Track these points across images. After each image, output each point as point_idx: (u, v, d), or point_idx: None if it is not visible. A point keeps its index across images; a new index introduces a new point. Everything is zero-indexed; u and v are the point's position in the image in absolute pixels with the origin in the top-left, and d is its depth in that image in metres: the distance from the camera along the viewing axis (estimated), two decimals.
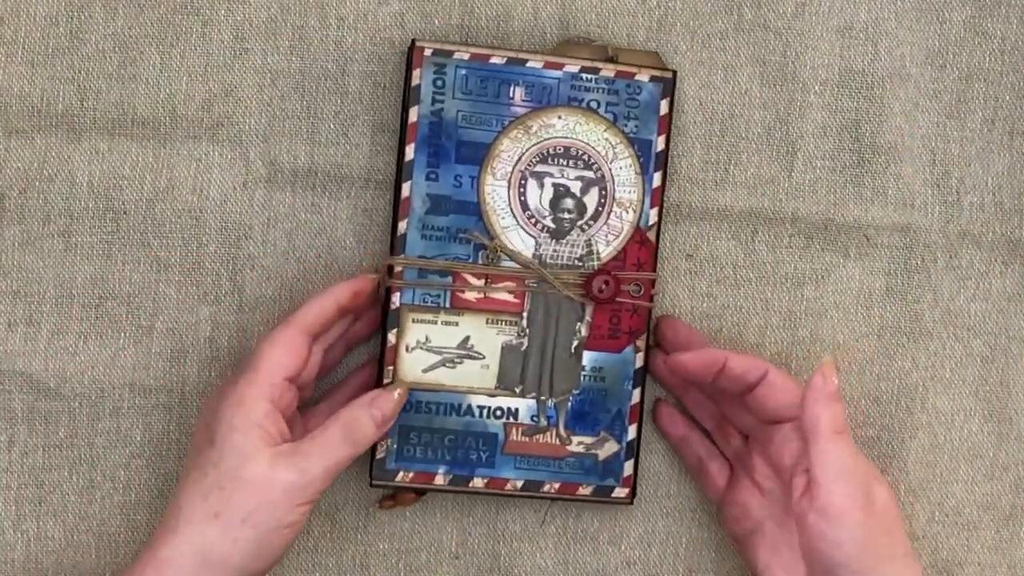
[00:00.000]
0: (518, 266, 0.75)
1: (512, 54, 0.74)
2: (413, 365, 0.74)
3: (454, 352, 0.75)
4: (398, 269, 0.74)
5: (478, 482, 0.75)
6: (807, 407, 0.68)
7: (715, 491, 0.76)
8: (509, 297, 0.75)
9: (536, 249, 0.75)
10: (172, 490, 0.70)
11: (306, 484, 0.65)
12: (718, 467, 0.76)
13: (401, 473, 0.75)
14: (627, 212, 0.76)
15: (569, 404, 0.75)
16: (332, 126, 0.77)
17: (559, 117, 0.75)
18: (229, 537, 0.64)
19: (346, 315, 0.73)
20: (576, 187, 0.75)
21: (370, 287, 0.73)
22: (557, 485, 0.76)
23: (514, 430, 0.75)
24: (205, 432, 0.68)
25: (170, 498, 0.68)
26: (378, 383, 0.74)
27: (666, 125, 0.75)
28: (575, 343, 0.75)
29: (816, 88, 0.79)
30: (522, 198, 0.75)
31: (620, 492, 0.76)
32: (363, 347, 0.77)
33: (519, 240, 0.75)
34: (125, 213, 0.76)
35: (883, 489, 0.69)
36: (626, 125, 0.75)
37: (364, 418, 0.68)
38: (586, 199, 0.75)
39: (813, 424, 0.68)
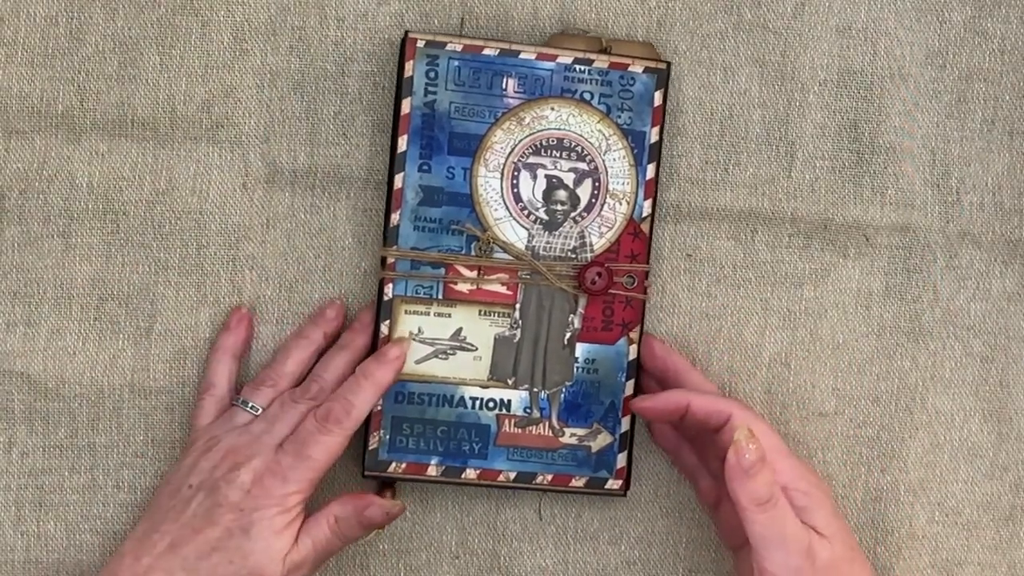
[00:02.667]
0: (511, 258, 0.75)
1: (505, 45, 0.74)
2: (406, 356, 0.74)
3: (447, 343, 0.75)
4: (391, 260, 0.74)
5: (471, 473, 0.75)
6: (727, 483, 0.68)
7: (705, 506, 0.77)
8: (502, 289, 0.75)
9: (529, 241, 0.75)
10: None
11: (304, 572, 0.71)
12: (708, 484, 0.76)
13: (393, 464, 0.75)
14: (620, 204, 0.76)
15: (562, 396, 0.76)
16: (332, 126, 0.77)
17: (552, 108, 0.75)
18: None
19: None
20: (569, 179, 0.75)
21: (403, 363, 0.74)
22: (550, 477, 0.76)
23: (507, 422, 0.75)
24: (239, 514, 0.69)
25: (182, 552, 0.69)
26: None
27: (660, 116, 0.75)
28: (568, 335, 0.75)
29: (815, 88, 0.79)
30: (515, 190, 0.75)
31: (613, 484, 0.76)
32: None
33: (512, 232, 0.75)
34: (125, 214, 0.76)
35: (825, 547, 0.68)
36: (619, 116, 0.75)
37: (353, 522, 0.72)
38: (579, 191, 0.75)
39: (735, 499, 0.68)
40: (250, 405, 0.73)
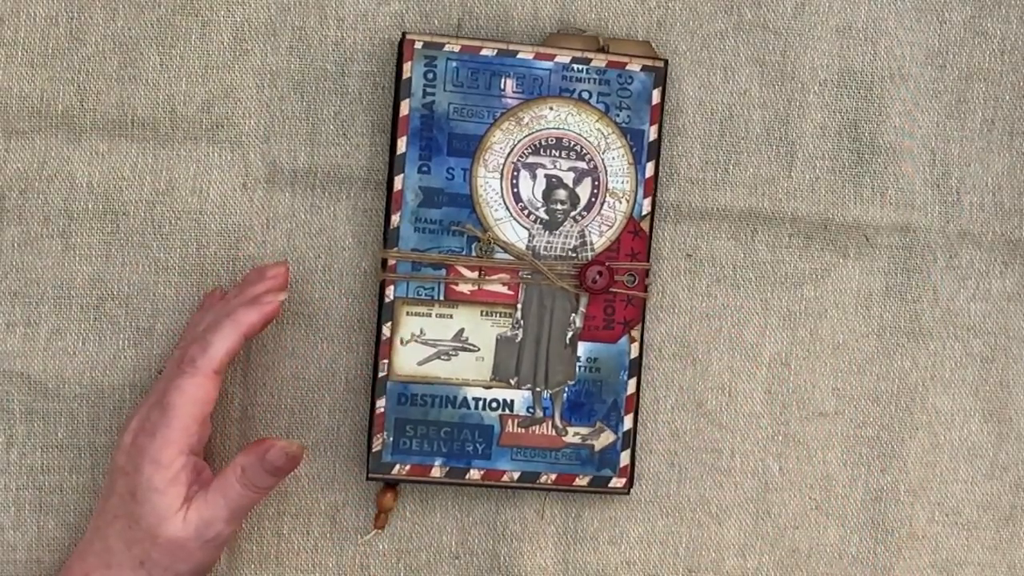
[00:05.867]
0: (512, 258, 0.75)
1: (503, 46, 0.74)
2: (408, 358, 0.74)
3: (449, 345, 0.75)
4: (391, 262, 0.74)
5: (475, 474, 0.75)
6: None
7: None
8: (503, 289, 0.75)
9: (529, 241, 0.75)
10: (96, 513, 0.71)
11: (215, 534, 0.69)
12: None
13: (397, 466, 0.75)
14: (620, 202, 0.76)
15: (565, 395, 0.76)
16: (332, 126, 0.77)
17: (551, 108, 0.75)
18: None
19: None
20: (569, 178, 0.75)
21: (277, 309, 0.70)
22: (554, 476, 0.76)
23: (510, 422, 0.75)
24: (125, 477, 0.68)
25: (98, 525, 0.70)
26: (373, 377, 0.74)
27: (658, 115, 0.76)
28: (570, 334, 0.75)
29: (815, 88, 0.79)
30: (515, 190, 0.75)
31: (617, 482, 0.76)
32: (359, 341, 0.77)
33: (512, 232, 0.75)
34: (125, 214, 0.76)
35: None
36: (618, 115, 0.75)
37: (259, 469, 0.69)
38: (579, 190, 0.75)
39: None
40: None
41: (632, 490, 0.77)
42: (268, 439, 0.69)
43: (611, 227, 0.76)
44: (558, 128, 0.75)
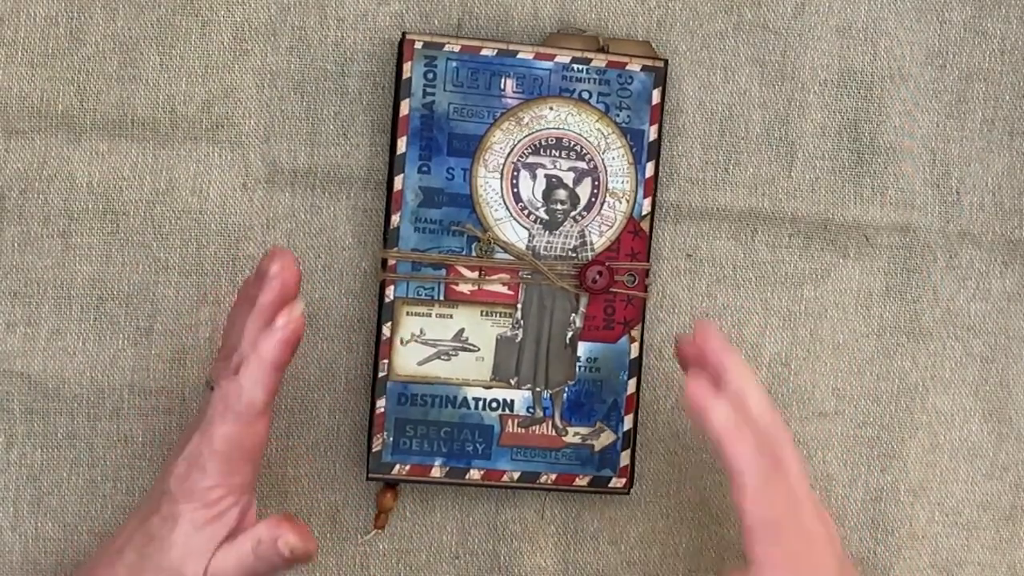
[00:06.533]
0: (512, 258, 0.75)
1: (503, 46, 0.74)
2: (408, 358, 0.74)
3: (449, 345, 0.75)
4: (392, 262, 0.74)
5: (475, 474, 0.75)
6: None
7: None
8: (503, 289, 0.75)
9: (529, 241, 0.75)
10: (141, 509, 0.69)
11: None
12: None
13: (397, 466, 0.75)
14: (620, 202, 0.76)
15: (565, 395, 0.76)
16: (332, 126, 0.77)
17: (551, 108, 0.75)
18: None
19: None
20: (569, 178, 0.75)
21: (299, 329, 0.65)
22: (554, 476, 0.76)
23: (510, 422, 0.75)
24: (172, 505, 0.66)
25: (129, 537, 0.67)
26: (373, 377, 0.74)
27: (658, 115, 0.76)
28: (570, 334, 0.75)
29: (815, 88, 0.79)
30: (515, 190, 0.75)
31: (617, 482, 0.76)
32: (359, 341, 0.77)
33: (512, 232, 0.75)
34: (125, 214, 0.76)
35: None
36: (618, 115, 0.75)
37: (270, 548, 0.66)
38: (579, 190, 0.75)
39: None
40: (212, 385, 0.68)
41: (632, 490, 0.77)
42: (284, 526, 0.66)
43: (611, 227, 0.76)
44: (558, 128, 0.75)
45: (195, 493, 0.65)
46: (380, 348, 0.74)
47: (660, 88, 0.76)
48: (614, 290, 0.75)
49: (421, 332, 0.74)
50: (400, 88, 0.74)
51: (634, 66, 0.75)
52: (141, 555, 0.66)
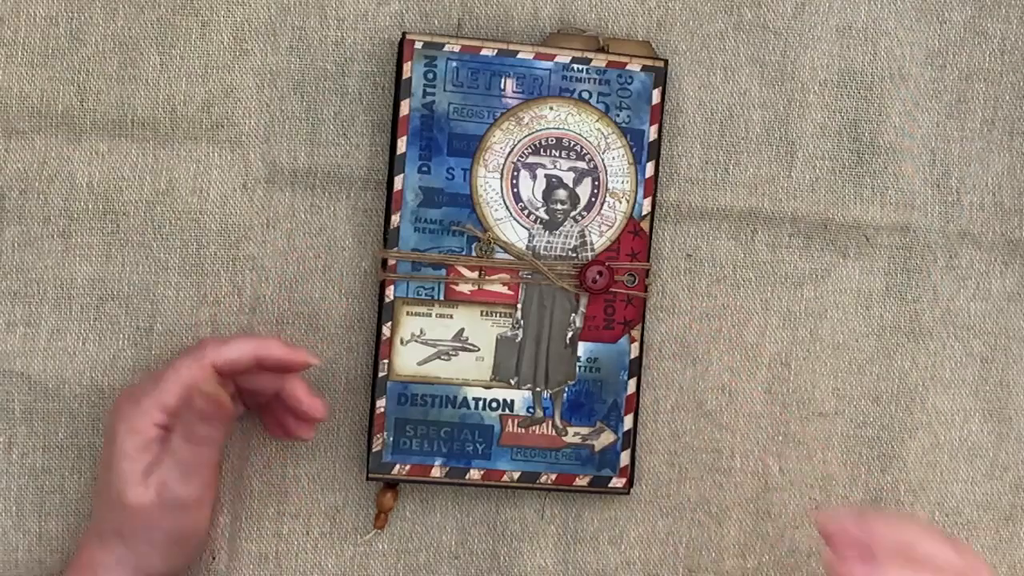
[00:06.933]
0: (512, 258, 0.75)
1: (503, 46, 0.74)
2: (408, 358, 0.74)
3: (449, 345, 0.75)
4: (391, 262, 0.74)
5: (475, 474, 0.75)
6: None
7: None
8: (503, 289, 0.75)
9: (529, 240, 0.75)
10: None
11: (172, 497, 0.68)
12: None
13: (398, 466, 0.75)
14: (620, 202, 0.76)
15: (565, 395, 0.76)
16: (332, 126, 0.77)
17: (551, 108, 0.75)
18: (133, 551, 0.69)
19: (266, 372, 0.71)
20: (569, 178, 0.75)
21: (304, 365, 0.70)
22: (554, 476, 0.76)
23: (510, 422, 0.75)
24: (109, 445, 0.69)
25: (94, 495, 0.72)
26: (373, 377, 0.74)
27: (658, 115, 0.76)
28: (570, 334, 0.76)
29: (815, 88, 0.79)
30: (515, 190, 0.75)
31: (617, 482, 0.76)
32: (359, 341, 0.77)
33: (512, 232, 0.75)
34: (125, 214, 0.76)
35: None
36: (618, 115, 0.75)
37: (188, 418, 0.69)
38: (579, 190, 0.75)
39: None
40: None
41: (632, 490, 0.77)
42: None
43: (611, 227, 0.76)
44: (558, 128, 0.75)
45: (124, 423, 0.68)
46: (380, 348, 0.74)
47: (660, 88, 0.76)
48: (614, 290, 0.75)
49: (421, 332, 0.74)
50: (400, 88, 0.74)
51: (634, 66, 0.75)
52: (105, 506, 0.70)
